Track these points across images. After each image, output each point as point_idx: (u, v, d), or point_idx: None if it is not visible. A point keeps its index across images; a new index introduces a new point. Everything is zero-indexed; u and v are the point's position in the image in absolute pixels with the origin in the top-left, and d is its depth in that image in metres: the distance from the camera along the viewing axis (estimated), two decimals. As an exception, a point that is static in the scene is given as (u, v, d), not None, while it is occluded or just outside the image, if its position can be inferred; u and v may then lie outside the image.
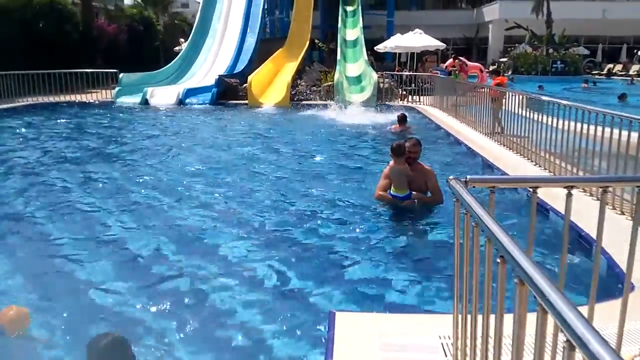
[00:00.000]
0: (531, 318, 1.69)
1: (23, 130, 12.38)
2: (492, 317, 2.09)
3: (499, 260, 1.69)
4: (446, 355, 2.75)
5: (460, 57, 19.37)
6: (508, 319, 1.88)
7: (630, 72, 32.15)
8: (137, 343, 3.02)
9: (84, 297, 3.94)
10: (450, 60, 19.52)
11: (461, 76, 17.82)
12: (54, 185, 7.38)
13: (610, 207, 5.16)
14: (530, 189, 2.39)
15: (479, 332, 2.11)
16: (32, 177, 7.80)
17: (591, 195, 5.62)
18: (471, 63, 20.02)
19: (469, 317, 2.20)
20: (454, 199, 2.30)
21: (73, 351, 3.22)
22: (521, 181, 2.71)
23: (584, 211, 3.82)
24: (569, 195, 2.43)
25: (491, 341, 1.98)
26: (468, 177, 2.37)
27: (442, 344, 2.86)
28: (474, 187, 2.33)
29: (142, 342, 3.22)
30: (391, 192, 5.82)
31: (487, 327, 1.94)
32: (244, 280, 4.16)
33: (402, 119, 11.64)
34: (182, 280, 4.21)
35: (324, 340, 3.06)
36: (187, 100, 17.57)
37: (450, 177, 2.37)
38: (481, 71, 19.26)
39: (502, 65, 30.51)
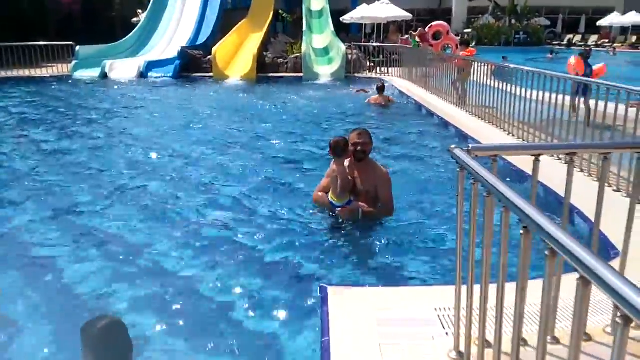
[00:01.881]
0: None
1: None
2: (492, 287, 2.05)
3: (522, 231, 1.62)
4: (444, 328, 2.71)
5: (441, 24, 19.38)
6: (509, 290, 1.84)
7: (590, 43, 32.82)
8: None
9: (53, 277, 3.74)
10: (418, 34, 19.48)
11: (423, 46, 17.79)
12: (9, 163, 6.99)
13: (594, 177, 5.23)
14: (533, 157, 2.33)
15: (476, 303, 2.06)
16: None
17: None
18: (452, 35, 19.88)
19: (476, 287, 2.14)
20: (458, 168, 2.22)
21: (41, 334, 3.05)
22: (524, 149, 2.66)
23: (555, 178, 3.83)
24: (571, 162, 2.39)
25: (494, 313, 1.94)
26: (470, 145, 2.32)
27: (438, 316, 2.82)
28: (476, 156, 2.26)
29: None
30: (329, 197, 4.67)
31: (502, 299, 1.89)
32: (228, 258, 4.03)
33: (381, 89, 11.51)
34: (156, 257, 4.05)
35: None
36: (149, 74, 16.95)
37: (452, 145, 2.31)
38: (457, 46, 19.20)
39: (467, 36, 30.68)
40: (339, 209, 4.53)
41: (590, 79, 5.73)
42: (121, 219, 4.91)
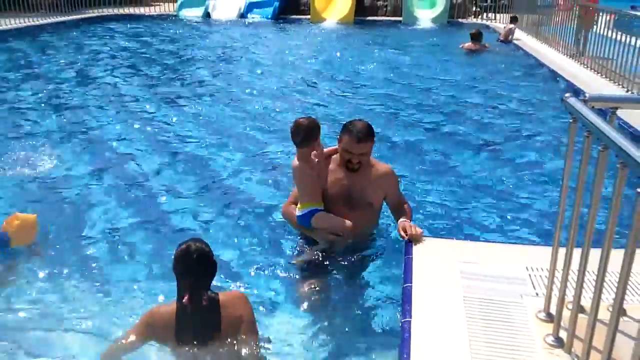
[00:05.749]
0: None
1: (90, 41, 12.50)
2: (593, 252, 1.89)
3: (639, 189, 1.45)
4: (534, 288, 2.58)
5: None
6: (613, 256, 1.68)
7: None
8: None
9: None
10: None
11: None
12: (122, 95, 7.53)
13: None
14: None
15: (573, 265, 1.92)
16: (101, 86, 7.99)
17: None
18: None
19: (577, 250, 1.99)
20: (571, 119, 2.03)
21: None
22: (650, 102, 2.36)
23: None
24: None
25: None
26: (587, 94, 2.10)
27: (529, 275, 2.69)
28: (592, 107, 2.05)
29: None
30: (297, 209, 3.14)
31: (606, 263, 1.73)
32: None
33: (476, 36, 10.78)
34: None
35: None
36: (249, 15, 17.10)
37: (567, 94, 2.11)
38: None
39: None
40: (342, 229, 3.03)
41: None
42: (218, 147, 5.18)
